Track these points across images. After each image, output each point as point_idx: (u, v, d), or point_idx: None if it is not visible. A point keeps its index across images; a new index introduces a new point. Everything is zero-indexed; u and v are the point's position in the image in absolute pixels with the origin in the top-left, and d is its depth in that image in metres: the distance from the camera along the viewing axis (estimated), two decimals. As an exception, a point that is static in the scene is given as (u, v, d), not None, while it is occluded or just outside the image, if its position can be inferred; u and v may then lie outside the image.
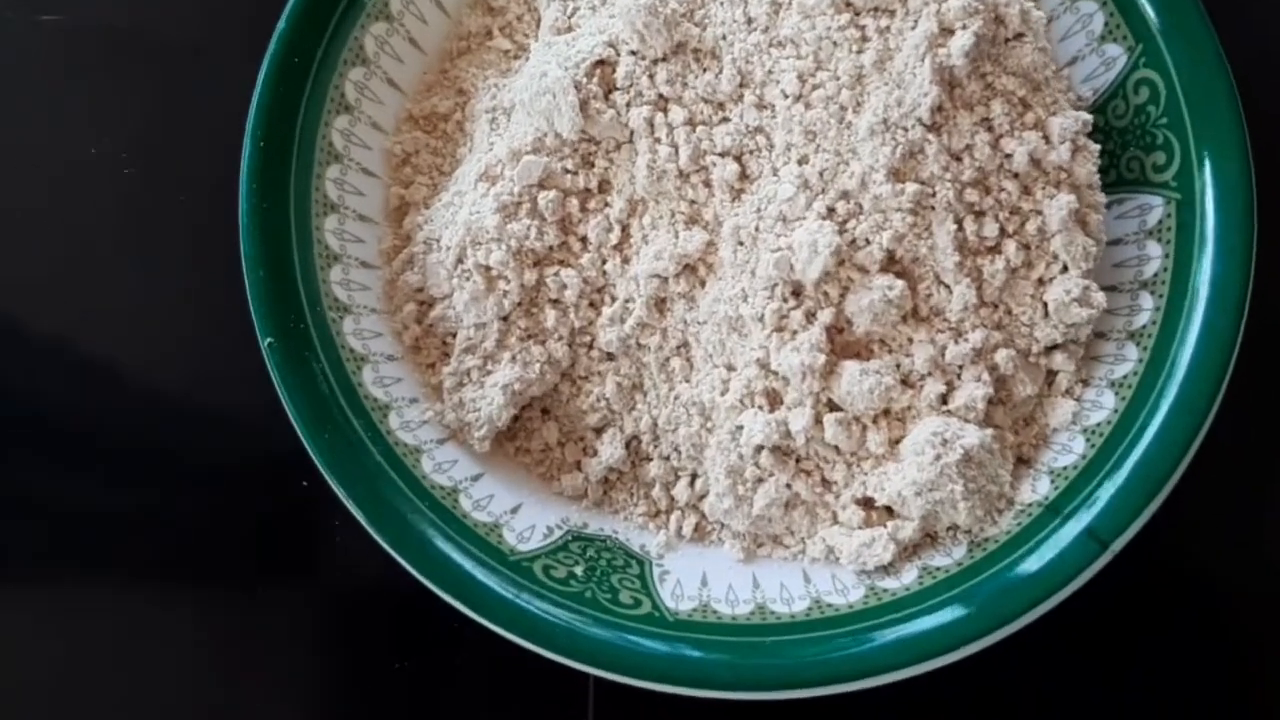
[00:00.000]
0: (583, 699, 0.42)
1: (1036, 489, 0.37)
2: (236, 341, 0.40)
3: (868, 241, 0.37)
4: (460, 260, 0.39)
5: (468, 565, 0.36)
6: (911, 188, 0.36)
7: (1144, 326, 0.38)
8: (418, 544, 0.35)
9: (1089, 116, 0.38)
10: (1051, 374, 0.39)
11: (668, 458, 0.40)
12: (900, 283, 0.37)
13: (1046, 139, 0.37)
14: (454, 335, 0.40)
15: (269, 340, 0.36)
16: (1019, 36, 0.37)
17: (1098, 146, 0.38)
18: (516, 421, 0.41)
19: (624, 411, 0.40)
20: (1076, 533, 0.35)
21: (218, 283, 0.42)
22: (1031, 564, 0.35)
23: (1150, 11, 0.39)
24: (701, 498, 0.40)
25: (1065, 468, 0.37)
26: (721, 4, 0.38)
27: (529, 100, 0.39)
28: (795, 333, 0.37)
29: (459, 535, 0.36)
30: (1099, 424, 0.37)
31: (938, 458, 0.36)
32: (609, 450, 0.40)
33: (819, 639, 0.35)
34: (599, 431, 0.40)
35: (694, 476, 0.40)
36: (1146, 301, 0.38)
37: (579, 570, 0.37)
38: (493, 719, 0.42)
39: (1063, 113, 0.37)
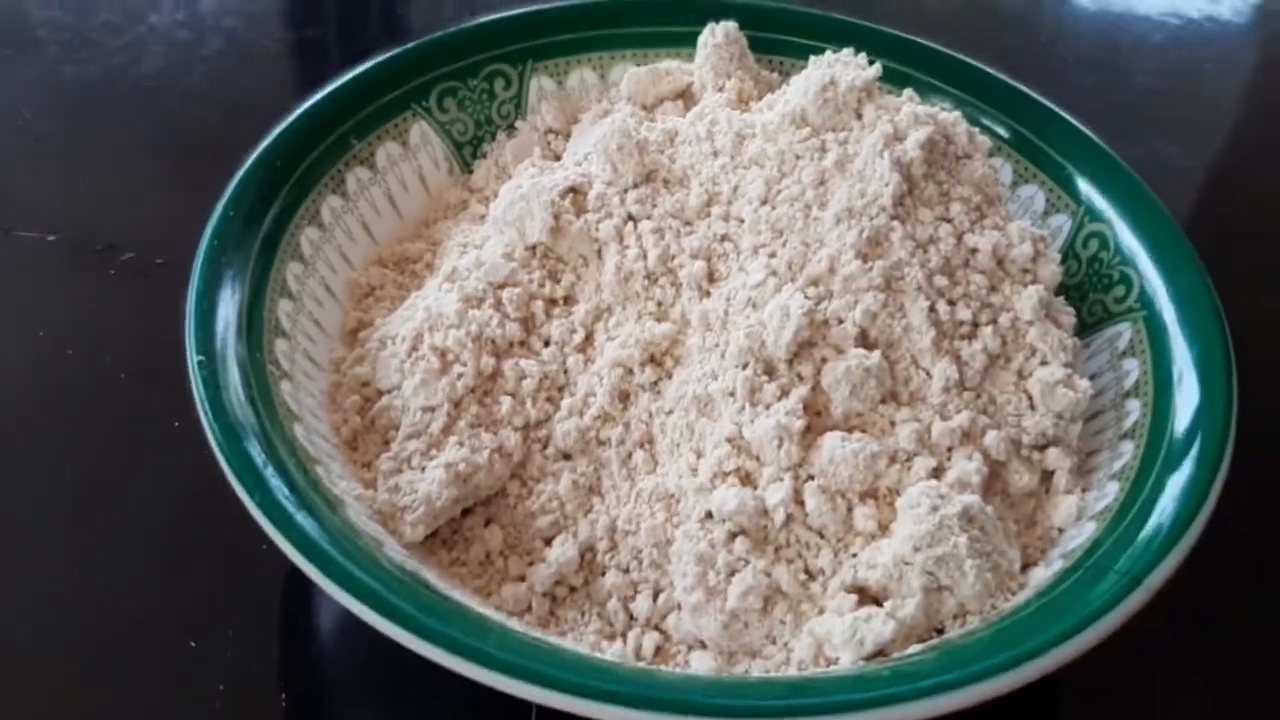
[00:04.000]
0: None
1: (1050, 571, 0.33)
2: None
3: (840, 321, 0.36)
4: (415, 349, 0.37)
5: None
6: (880, 264, 0.36)
7: (1135, 422, 0.36)
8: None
9: (1045, 233, 0.39)
10: (1048, 475, 0.36)
11: (626, 570, 0.35)
12: (877, 353, 0.35)
13: (1008, 241, 0.38)
14: (397, 429, 0.37)
15: (200, 358, 0.33)
16: (968, 156, 0.39)
17: (1058, 255, 0.38)
18: (456, 533, 0.36)
19: (578, 515, 0.36)
20: (1106, 575, 0.30)
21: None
22: (1061, 605, 0.30)
23: (1088, 180, 0.42)
24: (665, 615, 0.34)
25: (1077, 547, 0.33)
26: (689, 142, 0.41)
27: (501, 214, 0.39)
28: (769, 405, 0.35)
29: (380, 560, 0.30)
30: (1108, 506, 0.34)
31: (934, 509, 0.32)
32: (559, 552, 0.35)
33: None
34: (549, 541, 0.36)
35: (657, 592, 0.35)
36: (1133, 406, 0.37)
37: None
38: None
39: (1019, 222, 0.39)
